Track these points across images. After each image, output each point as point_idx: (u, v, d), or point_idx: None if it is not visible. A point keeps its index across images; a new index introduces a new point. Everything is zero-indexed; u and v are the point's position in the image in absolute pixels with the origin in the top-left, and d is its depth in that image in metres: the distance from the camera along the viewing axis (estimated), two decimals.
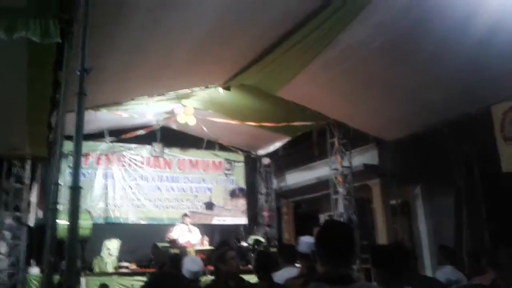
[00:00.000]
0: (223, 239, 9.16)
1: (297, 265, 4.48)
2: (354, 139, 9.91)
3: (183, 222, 10.07)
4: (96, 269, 8.68)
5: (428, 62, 6.21)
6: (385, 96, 7.41)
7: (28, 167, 8.57)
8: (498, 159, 6.84)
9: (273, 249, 8.95)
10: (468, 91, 6.57)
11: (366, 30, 5.76)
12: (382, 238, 9.62)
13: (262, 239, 10.82)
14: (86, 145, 10.47)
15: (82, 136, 2.62)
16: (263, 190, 12.90)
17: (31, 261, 8.41)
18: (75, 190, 2.49)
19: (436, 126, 7.75)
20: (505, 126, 6.76)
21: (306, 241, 3.58)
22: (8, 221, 8.44)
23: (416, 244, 9.93)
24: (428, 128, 7.88)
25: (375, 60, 6.38)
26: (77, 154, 2.53)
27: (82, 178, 10.84)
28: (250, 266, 8.87)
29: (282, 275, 3.93)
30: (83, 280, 7.60)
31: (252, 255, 9.56)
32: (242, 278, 3.88)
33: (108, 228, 10.26)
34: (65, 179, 7.92)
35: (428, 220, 9.86)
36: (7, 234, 8.44)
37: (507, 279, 3.81)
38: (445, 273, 3.95)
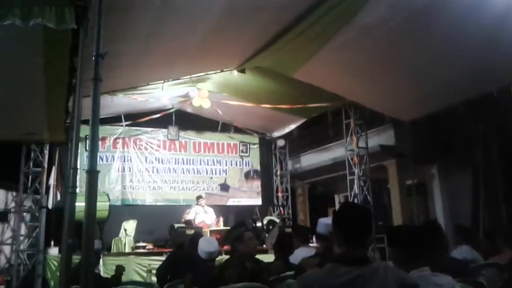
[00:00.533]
0: (240, 220, 9.24)
1: (311, 245, 4.53)
2: (370, 120, 9.85)
3: (198, 204, 10.20)
4: (114, 250, 8.87)
5: (446, 41, 6.09)
6: (401, 76, 7.31)
7: (46, 151, 8.73)
8: None
9: (288, 230, 9.01)
10: (486, 70, 6.44)
11: (383, 10, 5.65)
12: (397, 218, 9.62)
13: (277, 220, 10.91)
14: (103, 129, 10.55)
15: (98, 121, 2.66)
16: (278, 172, 12.94)
17: (51, 242, 8.63)
18: (92, 174, 2.54)
19: (454, 105, 7.65)
20: None
21: (324, 222, 3.61)
22: (28, 203, 8.66)
23: None
24: (446, 108, 7.78)
25: (391, 39, 6.27)
26: (94, 139, 2.57)
27: (99, 161, 11.01)
28: (264, 246, 8.99)
29: (297, 255, 3.98)
30: (101, 260, 7.77)
31: (266, 235, 9.66)
32: (257, 259, 3.92)
33: (126, 210, 10.45)
34: (82, 162, 8.03)
35: (444, 200, 9.82)
36: (27, 216, 8.68)
37: None
38: (461, 252, 3.96)
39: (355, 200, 9.50)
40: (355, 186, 9.57)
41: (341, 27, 6.13)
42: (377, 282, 1.91)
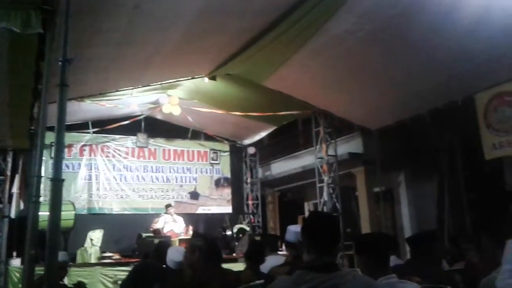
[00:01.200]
0: (195, 231, 9.16)
1: (280, 253, 4.53)
2: (339, 127, 9.99)
3: (167, 212, 10.07)
4: (79, 260, 8.64)
5: (415, 51, 6.26)
6: (370, 85, 7.45)
7: (9, 159, 8.44)
8: (481, 147, 6.97)
9: (257, 238, 9.00)
10: (453, 80, 6.65)
11: (353, 19, 5.76)
12: (365, 225, 9.75)
13: (247, 228, 10.88)
14: (69, 136, 10.37)
15: (64, 127, 2.58)
16: (248, 180, 12.94)
17: (13, 253, 8.32)
18: (56, 183, 2.46)
19: (421, 114, 7.83)
20: (488, 114, 6.87)
21: (293, 230, 3.61)
22: None
23: (399, 230, 10.09)
24: (413, 117, 7.96)
25: (361, 49, 6.40)
26: (59, 146, 2.50)
27: (65, 169, 10.74)
28: (234, 255, 8.94)
29: (267, 263, 3.97)
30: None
31: (236, 243, 9.61)
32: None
33: (92, 219, 10.21)
34: (47, 170, 7.81)
35: (411, 207, 10.02)
36: None
37: (487, 264, 3.89)
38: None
39: (324, 208, 9.58)
40: (324, 194, 9.65)
41: (312, 35, 6.21)
42: None
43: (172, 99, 9.74)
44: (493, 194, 7.88)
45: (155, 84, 8.53)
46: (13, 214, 8.29)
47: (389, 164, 9.46)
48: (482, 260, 4.28)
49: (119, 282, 7.50)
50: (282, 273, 3.03)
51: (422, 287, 2.53)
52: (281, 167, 12.44)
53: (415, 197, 9.96)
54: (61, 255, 2.72)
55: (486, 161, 7.02)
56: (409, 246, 3.82)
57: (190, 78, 8.40)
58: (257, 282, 3.70)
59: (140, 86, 8.46)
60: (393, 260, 3.74)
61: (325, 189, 9.66)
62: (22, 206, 8.37)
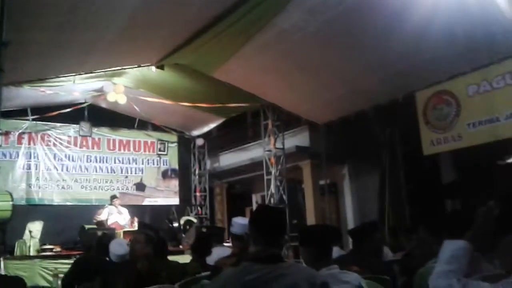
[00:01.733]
0: (142, 222, 9.01)
1: (226, 244, 4.55)
2: (287, 121, 10.14)
3: (112, 204, 9.81)
4: (18, 253, 8.26)
5: (361, 48, 6.44)
6: (318, 81, 7.59)
7: None
8: (420, 142, 7.29)
9: (204, 230, 8.97)
10: (396, 77, 6.90)
11: (301, 15, 5.83)
12: (311, 217, 9.98)
13: (194, 220, 10.82)
14: (7, 123, 9.82)
15: None
16: (197, 171, 12.85)
17: None
18: None
19: (365, 110, 8.07)
20: (428, 111, 7.20)
21: (239, 222, 3.61)
22: None
23: (343, 222, 10.41)
24: (357, 112, 8.19)
25: (309, 44, 6.49)
26: None
27: (2, 158, 10.19)
28: (181, 247, 8.87)
29: (213, 255, 3.97)
30: (2, 263, 7.20)
31: (183, 235, 9.54)
32: (169, 260, 3.83)
33: (32, 210, 9.78)
34: None
35: (354, 199, 10.36)
36: None
37: (423, 255, 4.08)
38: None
39: (272, 200, 9.71)
40: (272, 186, 9.77)
41: (260, 29, 6.25)
42: (288, 280, 1.96)
43: (118, 87, 9.46)
44: (431, 188, 8.29)
45: (99, 71, 8.23)
46: None
47: (334, 158, 9.74)
48: (419, 251, 4.48)
49: (60, 275, 7.25)
50: (228, 265, 3.04)
51: (362, 277, 2.62)
52: (229, 159, 12.45)
53: (358, 189, 10.30)
54: None
55: (424, 156, 7.35)
56: (351, 237, 3.95)
57: (136, 66, 8.18)
58: (203, 274, 3.70)
59: (82, 73, 8.13)
60: (336, 251, 3.85)
61: (272, 181, 9.78)
62: None
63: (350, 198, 10.46)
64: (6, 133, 10.06)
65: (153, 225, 8.63)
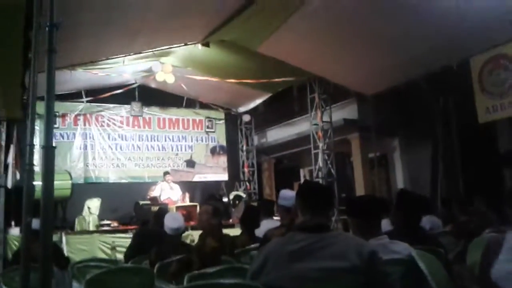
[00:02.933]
0: (212, 195, 9.25)
1: (276, 218, 4.59)
2: (334, 94, 9.96)
3: (164, 180, 10.12)
4: (78, 228, 8.74)
5: (410, 14, 6.17)
6: (366, 49, 7.37)
7: (3, 129, 8.39)
8: (475, 110, 6.97)
9: (254, 204, 9.10)
10: (448, 43, 6.58)
11: None
12: (360, 190, 9.86)
13: (243, 195, 10.99)
14: (63, 106, 10.31)
15: (53, 93, 2.55)
16: (244, 147, 12.97)
17: (11, 222, 8.39)
18: (48, 150, 2.44)
19: (416, 79, 7.79)
20: (483, 77, 6.86)
21: (288, 195, 3.64)
22: None
23: (393, 195, 10.21)
24: (408, 81, 7.92)
25: (357, 11, 6.29)
26: (49, 113, 2.47)
27: (60, 139, 10.65)
28: (231, 221, 9.06)
29: (262, 228, 4.02)
30: (64, 239, 7.64)
31: (233, 210, 9.72)
32: (223, 234, 3.91)
33: (90, 188, 10.26)
34: (42, 140, 7.75)
35: (405, 171, 10.12)
36: None
37: (479, 226, 3.96)
38: (421, 221, 4.08)
39: (319, 174, 9.67)
40: (319, 160, 9.71)
41: None
42: (335, 249, 1.95)
43: (166, 66, 9.63)
44: (487, 158, 7.94)
45: (147, 51, 8.40)
46: (9, 184, 8.31)
47: (384, 130, 9.50)
48: (474, 221, 4.35)
49: (118, 248, 7.64)
50: (277, 235, 3.07)
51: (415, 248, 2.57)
52: (276, 134, 12.46)
53: (409, 161, 10.04)
54: (34, 223, 2.73)
55: (480, 125, 7.04)
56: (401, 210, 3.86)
57: (183, 44, 8.27)
58: (253, 245, 3.77)
59: (131, 54, 8.33)
60: (386, 225, 3.80)
61: (320, 155, 9.71)
62: (18, 176, 8.39)
63: (401, 170, 10.22)
64: (63, 116, 10.55)
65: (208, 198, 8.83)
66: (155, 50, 8.46)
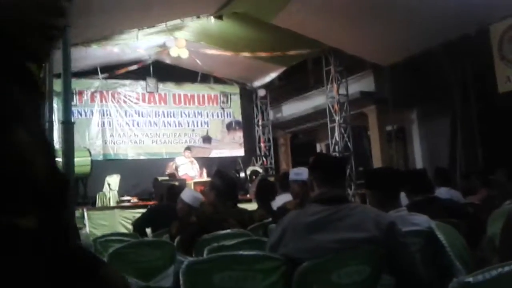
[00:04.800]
0: (218, 170, 9.28)
1: None
2: (350, 66, 9.80)
3: (183, 155, 10.19)
4: (99, 204, 8.90)
5: None
6: (382, 19, 7.20)
7: None
8: (495, 80, 6.80)
9: (271, 179, 9.12)
10: (466, 11, 6.39)
11: None
12: (378, 163, 9.79)
13: (260, 170, 11.02)
14: (79, 83, 10.35)
15: (70, 67, 2.56)
16: (260, 122, 12.94)
17: None
18: (67, 125, 2.46)
19: (433, 48, 7.61)
20: (503, 45, 6.66)
21: (298, 170, 3.65)
22: None
23: (411, 167, 10.12)
24: (426, 51, 7.74)
25: None
26: (66, 88, 2.49)
27: (78, 116, 10.73)
28: (248, 196, 9.11)
29: (279, 202, 4.03)
30: (86, 214, 7.80)
31: (249, 185, 9.77)
32: (240, 209, 3.93)
33: (108, 165, 10.39)
34: (60, 119, 7.84)
35: (423, 144, 9.99)
36: None
37: (499, 197, 3.92)
38: (441, 193, 4.05)
39: (336, 148, 9.63)
40: (336, 134, 9.65)
41: None
42: (354, 220, 1.95)
43: (179, 41, 9.57)
44: (507, 128, 7.78)
45: (159, 24, 8.35)
46: None
47: (401, 102, 9.34)
48: (495, 193, 4.30)
49: None
50: (293, 206, 3.09)
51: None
52: (292, 108, 12.38)
53: (428, 134, 9.90)
54: None
55: (499, 94, 6.88)
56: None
57: (195, 17, 8.20)
58: (270, 219, 3.79)
59: (144, 28, 8.29)
60: (405, 198, 3.78)
61: (336, 129, 9.65)
62: None
63: (419, 143, 10.10)
64: (80, 93, 10.62)
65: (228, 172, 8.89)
66: (168, 24, 8.39)
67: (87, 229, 7.45)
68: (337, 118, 9.64)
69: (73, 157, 2.63)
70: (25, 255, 0.65)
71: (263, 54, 9.55)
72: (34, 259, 0.67)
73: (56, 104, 7.65)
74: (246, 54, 9.60)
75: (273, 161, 12.86)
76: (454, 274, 2.24)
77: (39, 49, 0.87)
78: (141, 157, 11.22)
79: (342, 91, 9.68)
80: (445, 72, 8.39)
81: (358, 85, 10.02)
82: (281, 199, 4.08)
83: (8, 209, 0.65)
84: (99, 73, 10.55)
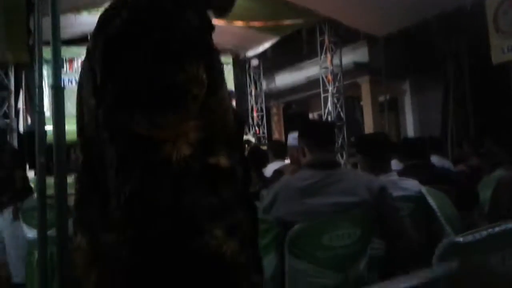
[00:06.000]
0: None
1: (287, 161, 4.61)
2: (344, 37, 9.72)
3: None
4: None
5: None
6: None
7: (11, 74, 8.39)
8: (489, 52, 6.80)
9: (263, 147, 9.15)
10: None
11: None
12: None
13: (253, 139, 11.04)
14: (70, 50, 10.15)
15: (59, 31, 2.49)
16: (253, 92, 12.88)
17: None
18: (57, 90, 2.41)
19: (427, 19, 7.55)
20: (499, 17, 6.63)
21: (296, 135, 3.65)
22: None
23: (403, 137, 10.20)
24: (421, 23, 7.68)
25: None
26: (56, 52, 2.42)
27: (69, 84, 10.60)
28: None
29: (271, 168, 4.05)
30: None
31: None
32: None
33: None
34: (50, 84, 7.74)
35: (415, 114, 10.06)
36: None
37: (489, 165, 3.96)
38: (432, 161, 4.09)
39: (329, 118, 9.63)
40: (329, 104, 9.64)
41: None
42: (345, 185, 1.97)
43: None
44: (499, 98, 7.82)
45: None
46: (21, 129, 8.42)
47: (395, 73, 9.33)
48: (484, 161, 4.35)
49: None
50: (289, 170, 3.11)
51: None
52: (285, 78, 12.32)
53: (420, 104, 9.95)
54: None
55: (492, 66, 6.89)
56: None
57: None
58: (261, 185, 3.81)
59: None
60: (395, 165, 3.81)
61: (329, 99, 9.64)
62: (29, 121, 8.47)
63: (411, 113, 10.16)
64: (70, 60, 10.46)
65: None
66: None
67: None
68: (330, 88, 9.61)
69: (64, 124, 2.57)
70: (226, 186, 0.85)
71: (256, 24, 9.40)
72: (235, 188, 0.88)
73: (46, 71, 7.55)
74: (239, 23, 9.44)
75: (265, 131, 12.88)
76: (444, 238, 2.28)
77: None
78: None
79: (336, 61, 9.63)
80: (439, 44, 8.36)
81: (352, 55, 9.98)
82: (273, 167, 4.10)
83: (213, 152, 0.84)
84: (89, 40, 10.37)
